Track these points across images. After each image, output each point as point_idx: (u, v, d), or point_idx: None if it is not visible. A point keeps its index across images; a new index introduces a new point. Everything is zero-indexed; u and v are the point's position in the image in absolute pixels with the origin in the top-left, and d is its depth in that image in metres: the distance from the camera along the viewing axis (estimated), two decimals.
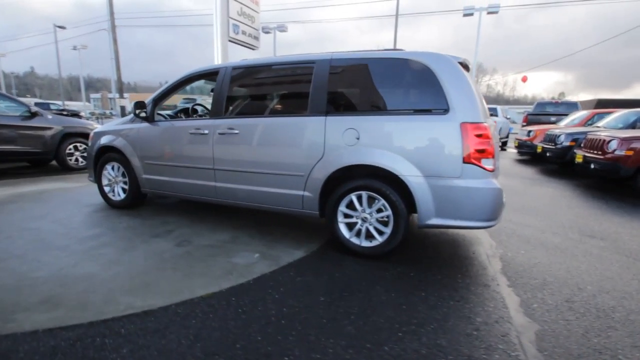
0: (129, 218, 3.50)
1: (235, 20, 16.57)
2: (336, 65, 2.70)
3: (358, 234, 2.68)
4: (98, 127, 4.16)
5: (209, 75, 3.30)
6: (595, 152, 5.70)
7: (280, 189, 2.86)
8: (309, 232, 3.22)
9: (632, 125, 6.85)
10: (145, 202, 4.10)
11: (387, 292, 2.15)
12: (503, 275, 2.46)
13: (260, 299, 2.02)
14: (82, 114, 19.30)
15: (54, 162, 6.79)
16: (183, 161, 3.27)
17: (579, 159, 6.07)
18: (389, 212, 2.53)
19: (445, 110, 2.37)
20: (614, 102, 17.03)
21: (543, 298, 2.17)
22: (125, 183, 3.77)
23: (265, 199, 2.95)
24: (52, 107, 20.32)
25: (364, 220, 2.65)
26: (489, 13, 16.55)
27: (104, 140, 3.79)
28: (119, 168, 3.77)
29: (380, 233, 2.62)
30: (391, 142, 2.46)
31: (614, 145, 5.36)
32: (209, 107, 4.43)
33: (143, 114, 3.38)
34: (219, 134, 3.02)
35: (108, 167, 3.83)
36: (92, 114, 31.47)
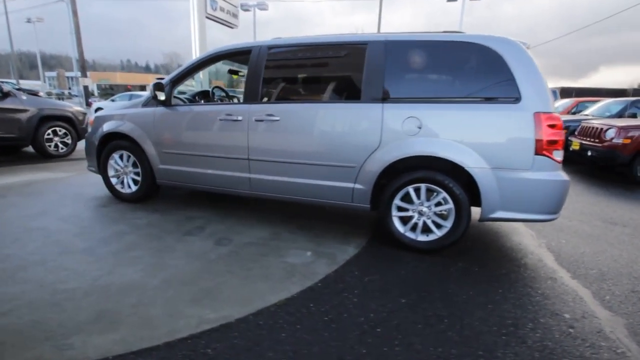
0: (146, 213, 3.16)
1: None
2: (392, 47, 2.50)
3: (413, 228, 2.57)
4: (100, 111, 3.68)
5: (239, 54, 2.98)
6: (592, 140, 5.93)
7: (326, 181, 2.66)
8: (350, 225, 3.06)
9: (619, 115, 7.22)
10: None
11: (464, 290, 2.07)
12: (560, 266, 2.45)
13: (340, 305, 1.85)
14: (41, 94, 17.55)
15: (28, 149, 6.08)
16: (210, 150, 2.96)
17: (575, 147, 6.31)
18: (450, 205, 2.42)
19: (517, 99, 2.26)
20: (575, 90, 18.37)
21: (610, 289, 2.18)
22: (137, 174, 3.39)
23: (308, 191, 2.75)
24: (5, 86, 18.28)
25: (421, 213, 2.53)
26: None
27: (109, 125, 3.36)
28: (129, 157, 3.38)
29: (438, 227, 2.52)
30: (457, 132, 2.33)
31: (611, 133, 5.59)
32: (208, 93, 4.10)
33: (162, 97, 3.00)
34: (256, 120, 2.74)
35: (115, 156, 3.42)
36: (49, 94, 28.77)
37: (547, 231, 3.14)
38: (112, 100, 14.85)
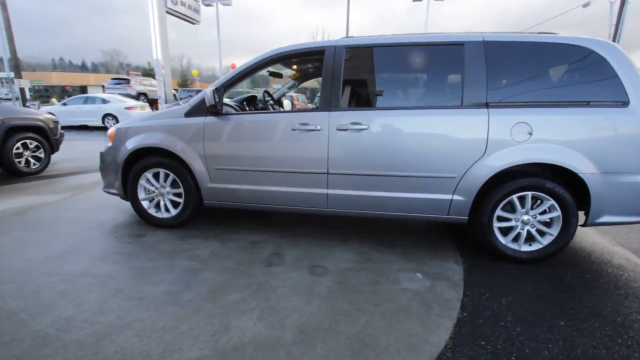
0: (199, 241, 2.69)
1: None
2: (492, 48, 2.34)
3: (515, 239, 2.45)
4: (121, 123, 3.09)
5: (307, 54, 2.63)
6: None
7: (419, 194, 2.45)
8: (427, 237, 2.87)
9: None
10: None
11: (605, 301, 1.98)
12: None
13: (510, 337, 1.66)
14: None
15: None
16: (277, 165, 2.59)
17: None
18: (558, 212, 2.34)
19: (624, 103, 2.22)
20: None
21: None
22: (178, 195, 2.89)
23: (397, 206, 2.51)
24: None
25: (524, 223, 2.42)
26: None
27: (140, 140, 2.82)
28: (167, 176, 2.87)
29: (542, 235, 2.43)
30: (568, 137, 2.24)
31: None
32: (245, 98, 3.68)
33: (213, 107, 2.55)
34: (338, 129, 2.44)
35: (148, 175, 2.89)
36: None
37: (612, 229, 3.17)
38: (64, 105, 13.16)
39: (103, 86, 17.19)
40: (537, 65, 2.35)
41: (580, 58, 2.28)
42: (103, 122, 12.49)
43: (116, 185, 3.01)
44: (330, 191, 2.56)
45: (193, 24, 18.62)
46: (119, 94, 15.18)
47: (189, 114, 2.74)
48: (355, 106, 2.51)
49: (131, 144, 2.87)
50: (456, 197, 2.42)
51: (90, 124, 12.80)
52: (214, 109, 2.58)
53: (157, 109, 15.47)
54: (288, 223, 3.11)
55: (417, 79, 2.56)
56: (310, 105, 18.14)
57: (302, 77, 3.93)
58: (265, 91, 3.57)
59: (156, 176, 2.91)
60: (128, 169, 2.94)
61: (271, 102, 3.60)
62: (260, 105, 3.51)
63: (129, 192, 2.96)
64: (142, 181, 2.92)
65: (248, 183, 2.69)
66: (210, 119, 2.68)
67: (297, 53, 2.63)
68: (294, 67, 3.55)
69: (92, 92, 22.62)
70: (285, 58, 2.66)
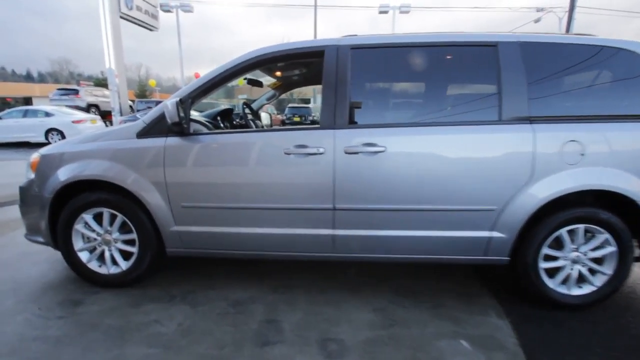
0: (160, 306, 1.98)
1: None
2: (530, 50, 1.91)
3: (563, 281, 2.01)
4: (49, 146, 2.30)
5: (300, 56, 2.05)
6: None
7: (451, 232, 1.94)
8: (449, 278, 2.36)
9: None
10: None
11: None
12: None
13: None
14: None
15: None
16: (265, 200, 1.97)
17: None
18: (613, 248, 1.92)
19: None
20: None
21: None
22: (130, 243, 2.16)
23: (423, 247, 1.98)
24: None
25: (574, 261, 1.98)
26: (401, 12, 17.60)
27: (76, 169, 2.07)
28: (113, 218, 2.14)
29: (593, 274, 2.00)
30: (625, 158, 1.84)
31: None
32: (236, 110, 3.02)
33: (177, 124, 1.89)
34: (347, 153, 1.87)
35: (87, 217, 2.14)
36: None
37: None
38: None
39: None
40: (584, 71, 1.95)
41: (629, 63, 1.91)
42: (46, 138, 11.04)
43: (43, 231, 2.22)
44: (338, 232, 1.98)
45: (151, 30, 17.43)
46: (66, 105, 13.64)
47: (144, 133, 2.05)
48: (367, 122, 1.96)
49: (64, 175, 2.10)
50: (495, 234, 1.93)
51: (31, 140, 11.28)
52: (178, 127, 1.92)
53: (110, 122, 14.09)
54: (278, 269, 2.47)
55: (442, 88, 2.07)
56: (279, 118, 17.47)
57: (284, 86, 3.34)
58: (245, 103, 2.92)
59: (98, 218, 2.16)
60: (59, 209, 2.17)
61: (251, 117, 2.96)
62: (239, 120, 2.88)
63: (60, 240, 2.19)
64: (78, 226, 2.16)
65: (227, 224, 2.04)
66: (173, 140, 2.00)
67: (287, 54, 2.04)
68: (277, 73, 2.95)
69: (37, 104, 20.48)
70: (270, 61, 2.06)
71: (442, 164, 1.87)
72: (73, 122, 11.08)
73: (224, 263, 2.54)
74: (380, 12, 17.79)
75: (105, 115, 14.94)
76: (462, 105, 2.00)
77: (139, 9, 16.01)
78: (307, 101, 26.45)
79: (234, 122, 2.88)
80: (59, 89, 16.29)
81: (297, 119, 16.84)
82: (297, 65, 2.77)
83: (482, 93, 1.97)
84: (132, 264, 2.17)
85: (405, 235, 1.96)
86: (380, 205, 1.92)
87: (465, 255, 2.01)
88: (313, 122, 17.25)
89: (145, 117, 2.07)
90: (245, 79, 2.84)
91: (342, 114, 1.91)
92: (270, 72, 2.94)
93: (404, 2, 17.63)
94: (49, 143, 10.72)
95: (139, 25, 16.25)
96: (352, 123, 1.92)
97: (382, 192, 1.90)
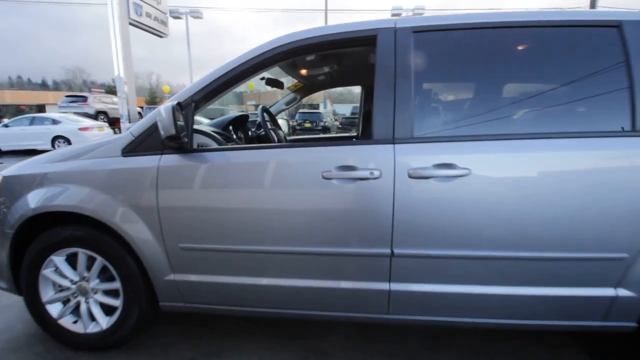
0: None
1: None
2: None
3: None
4: (14, 166, 1.79)
5: (340, 44, 1.50)
6: None
7: (557, 289, 1.35)
8: (539, 342, 1.77)
9: None
10: None
11: None
12: None
13: None
14: None
15: None
16: (294, 241, 1.42)
17: None
18: None
19: None
20: None
21: None
22: (113, 294, 1.63)
23: (516, 309, 1.40)
24: None
25: None
26: (414, 15, 17.06)
27: (44, 197, 1.55)
28: (91, 261, 1.61)
29: None
30: None
31: None
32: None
33: (174, 138, 1.35)
34: (412, 177, 1.32)
35: (57, 259, 1.62)
36: None
37: None
38: (5, 126, 11.28)
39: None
40: None
41: None
42: (53, 146, 10.79)
43: (3, 274, 1.71)
44: (396, 286, 1.41)
45: (160, 37, 17.18)
46: (75, 112, 13.43)
47: (131, 149, 1.52)
48: (440, 134, 1.39)
49: (29, 204, 1.58)
50: (623, 292, 1.34)
51: (38, 147, 11.04)
52: (176, 142, 1.39)
53: (119, 129, 13.82)
54: (306, 325, 1.90)
55: (545, 86, 1.48)
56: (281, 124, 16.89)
57: (307, 87, 2.80)
58: (264, 108, 2.36)
59: (72, 260, 1.64)
60: (23, 246, 1.66)
61: (271, 125, 2.39)
62: (255, 130, 2.35)
63: (24, 287, 1.67)
64: (46, 270, 1.63)
65: (241, 273, 1.49)
66: (169, 159, 1.47)
67: (323, 43, 1.48)
68: (302, 71, 2.41)
69: (50, 111, 20.54)
70: (299, 52, 1.50)
71: (551, 194, 1.29)
72: (80, 129, 10.84)
73: (236, 316, 1.99)
74: (393, 15, 17.29)
75: (114, 122, 14.72)
76: (571, 110, 1.42)
77: (148, 15, 15.82)
78: (316, 106, 25.98)
79: (250, 133, 2.35)
80: (67, 96, 16.15)
81: (308, 124, 16.35)
82: (328, 60, 2.22)
83: (601, 93, 1.39)
84: (115, 321, 1.63)
85: (493, 293, 1.38)
86: (460, 252, 1.35)
87: (575, 320, 1.42)
88: (324, 128, 16.70)
89: (134, 128, 1.55)
90: (262, 78, 2.31)
91: (404, 123, 1.35)
92: (292, 70, 2.40)
93: (417, 4, 17.09)
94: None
95: (149, 32, 16.07)
96: (418, 135, 1.36)
97: (463, 232, 1.33)
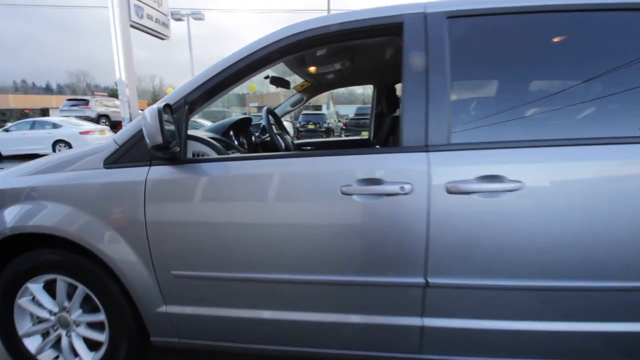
0: None
1: (138, 0, 13.16)
2: None
3: None
4: None
5: (362, 33, 1.27)
6: None
7: (627, 324, 1.12)
8: None
9: None
10: None
11: None
12: None
13: None
14: None
15: None
16: (309, 268, 1.19)
17: None
18: None
19: None
20: None
21: None
22: (97, 327, 1.41)
23: (575, 346, 1.17)
24: None
25: None
26: None
27: (16, 216, 1.34)
28: (71, 289, 1.40)
29: None
30: None
31: None
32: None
33: (162, 148, 1.13)
34: (451, 192, 1.09)
35: (33, 287, 1.40)
36: None
37: None
38: (6, 131, 11.16)
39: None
40: None
41: None
42: (54, 150, 10.68)
43: None
44: (430, 321, 1.18)
45: (162, 39, 17.01)
46: (76, 116, 13.33)
47: (115, 160, 1.30)
48: (483, 139, 1.15)
49: (3, 223, 1.38)
50: None
51: (40, 152, 10.93)
52: (166, 152, 1.17)
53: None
54: None
55: (617, 80, 1.22)
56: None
57: (315, 87, 2.58)
58: (269, 110, 2.10)
59: (50, 288, 1.43)
60: None
61: (278, 130, 2.14)
62: (259, 136, 2.12)
63: None
64: (22, 300, 1.42)
65: (246, 305, 1.27)
66: (159, 171, 1.25)
67: (340, 32, 1.26)
68: (311, 68, 2.18)
69: (53, 115, 20.49)
70: (315, 42, 1.28)
71: (631, 212, 1.05)
72: (81, 133, 10.72)
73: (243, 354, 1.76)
74: None
75: (116, 126, 14.60)
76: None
77: (149, 17, 15.70)
78: (320, 108, 25.72)
79: (254, 138, 2.11)
80: (68, 100, 16.06)
81: (311, 126, 16.10)
82: (340, 56, 1.99)
83: None
84: (100, 357, 1.42)
85: (547, 329, 1.14)
86: (508, 282, 1.11)
87: None
88: (328, 129, 16.41)
89: (118, 135, 1.33)
90: (266, 77, 2.09)
91: (439, 126, 1.12)
92: (299, 67, 2.17)
93: None
94: None
95: (150, 34, 15.93)
96: (456, 140, 1.13)
97: (514, 259, 1.10)
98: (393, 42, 1.43)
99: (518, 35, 1.17)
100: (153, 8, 16.29)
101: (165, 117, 1.12)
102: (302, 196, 1.18)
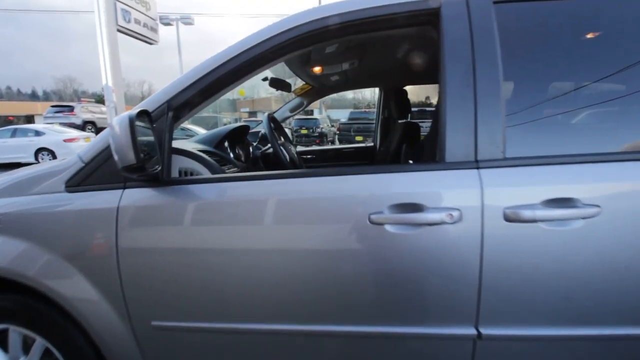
0: None
1: (125, 4, 12.82)
2: None
3: None
4: None
5: (387, 23, 1.04)
6: None
7: None
8: None
9: None
10: None
11: None
12: None
13: None
14: None
15: None
16: (326, 317, 0.94)
17: None
18: None
19: None
20: None
21: None
22: None
23: None
24: None
25: None
26: None
27: None
28: (26, 343, 1.12)
29: None
30: None
31: None
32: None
33: (136, 170, 0.87)
34: (511, 220, 0.85)
35: None
36: None
37: None
38: None
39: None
40: None
41: None
42: (36, 159, 10.22)
43: None
44: None
45: (150, 44, 16.66)
46: (61, 123, 12.86)
47: (79, 182, 1.03)
48: (547, 153, 0.92)
49: None
50: None
51: (22, 160, 10.46)
52: (142, 174, 0.91)
53: None
54: None
55: None
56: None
57: (317, 90, 2.34)
58: (270, 116, 1.81)
59: (2, 342, 1.15)
60: None
61: (282, 140, 1.85)
62: (258, 146, 1.86)
63: None
64: None
65: None
66: (135, 195, 0.99)
67: (361, 22, 1.02)
68: (316, 68, 1.92)
69: (39, 122, 19.88)
70: (331, 34, 1.05)
71: None
72: (65, 140, 10.28)
73: None
74: None
75: None
76: None
77: (137, 22, 15.36)
78: (311, 112, 25.52)
79: (251, 149, 1.84)
80: (52, 106, 15.51)
81: (304, 131, 15.85)
82: (351, 54, 1.75)
83: None
84: None
85: None
86: (586, 330, 0.88)
87: None
88: (321, 134, 16.15)
89: (84, 151, 1.06)
90: (264, 79, 1.84)
91: (492, 136, 0.89)
92: (301, 68, 1.92)
93: None
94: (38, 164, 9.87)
95: (138, 38, 15.59)
96: (514, 154, 0.90)
97: (590, 302, 0.87)
98: (419, 35, 1.20)
99: (587, 22, 0.95)
100: (141, 12, 15.94)
101: (142, 127, 0.87)
102: (319, 226, 0.93)
